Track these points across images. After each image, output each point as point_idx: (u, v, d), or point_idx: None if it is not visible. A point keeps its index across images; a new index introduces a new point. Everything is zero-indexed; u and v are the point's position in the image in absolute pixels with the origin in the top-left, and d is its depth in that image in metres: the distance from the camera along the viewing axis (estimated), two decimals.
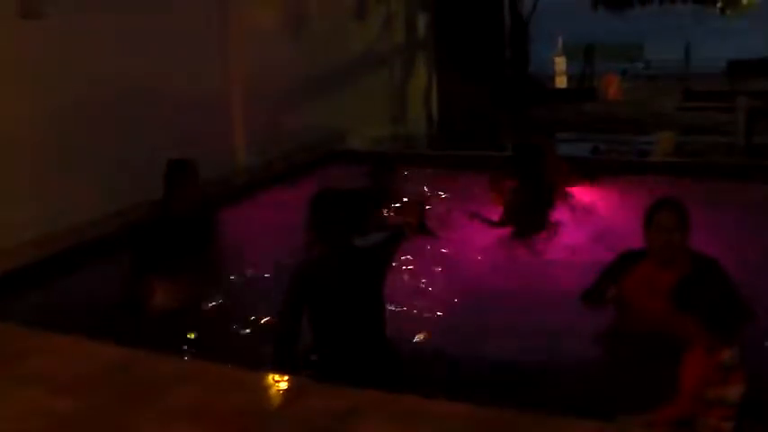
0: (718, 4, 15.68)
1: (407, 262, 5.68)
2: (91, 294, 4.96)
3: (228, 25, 7.86)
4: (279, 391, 3.24)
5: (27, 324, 4.08)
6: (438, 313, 4.96)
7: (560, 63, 17.76)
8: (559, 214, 6.61)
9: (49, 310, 4.68)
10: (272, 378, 3.33)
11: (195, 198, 5.57)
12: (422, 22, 12.62)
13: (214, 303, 5.05)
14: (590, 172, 7.44)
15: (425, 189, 7.33)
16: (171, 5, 6.97)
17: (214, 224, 5.74)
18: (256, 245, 5.93)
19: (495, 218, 6.58)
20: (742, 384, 3.17)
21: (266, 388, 3.30)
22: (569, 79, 17.75)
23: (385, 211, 6.39)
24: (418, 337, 4.55)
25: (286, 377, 3.33)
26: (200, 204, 5.64)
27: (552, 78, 17.60)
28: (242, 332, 4.72)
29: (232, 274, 5.53)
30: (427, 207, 6.30)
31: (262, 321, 4.74)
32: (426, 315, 4.93)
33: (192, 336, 4.54)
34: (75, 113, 6.06)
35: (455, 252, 6.00)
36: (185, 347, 4.38)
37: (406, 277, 5.50)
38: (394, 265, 5.35)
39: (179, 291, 4.96)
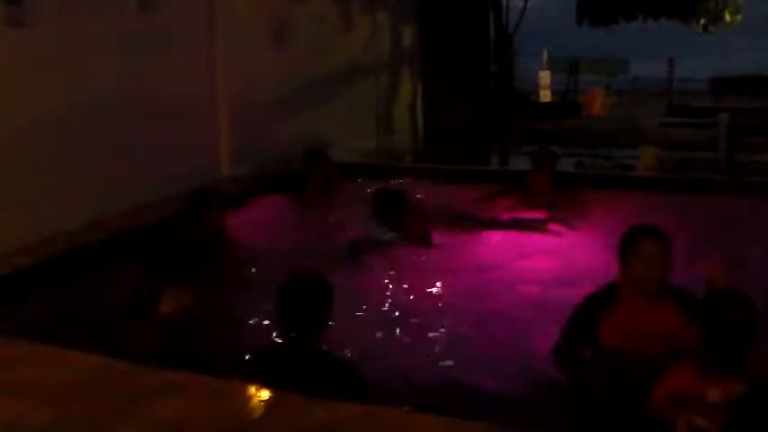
0: (702, 21, 15.78)
1: (395, 273, 5.73)
2: (74, 303, 4.94)
3: (215, 36, 7.87)
4: (261, 402, 3.23)
5: (8, 334, 4.05)
6: (418, 325, 4.96)
7: (545, 77, 17.83)
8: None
9: (31, 320, 4.66)
10: (255, 389, 3.32)
11: (217, 226, 5.68)
12: (408, 34, 12.66)
13: (218, 314, 5.04)
14: (578, 188, 7.54)
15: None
16: (156, 15, 6.97)
17: (219, 236, 5.81)
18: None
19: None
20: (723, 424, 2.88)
21: (248, 399, 3.29)
22: (553, 93, 17.84)
23: None
24: (399, 350, 4.55)
25: (268, 389, 3.33)
26: (223, 228, 5.73)
27: (536, 92, 17.68)
28: (238, 343, 4.69)
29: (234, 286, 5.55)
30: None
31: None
32: (407, 326, 4.93)
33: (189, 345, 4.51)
34: (58, 122, 6.04)
35: (438, 263, 6.03)
36: (173, 358, 4.36)
37: (390, 287, 5.52)
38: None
39: (189, 299, 4.93)
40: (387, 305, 5.27)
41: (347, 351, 4.08)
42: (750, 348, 3.02)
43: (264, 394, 3.26)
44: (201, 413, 3.12)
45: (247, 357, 3.93)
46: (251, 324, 4.85)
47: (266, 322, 4.55)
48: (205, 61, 7.80)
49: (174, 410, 3.11)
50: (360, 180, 8.21)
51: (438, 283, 5.65)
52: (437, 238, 6.40)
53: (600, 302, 3.90)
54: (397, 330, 4.87)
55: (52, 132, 5.97)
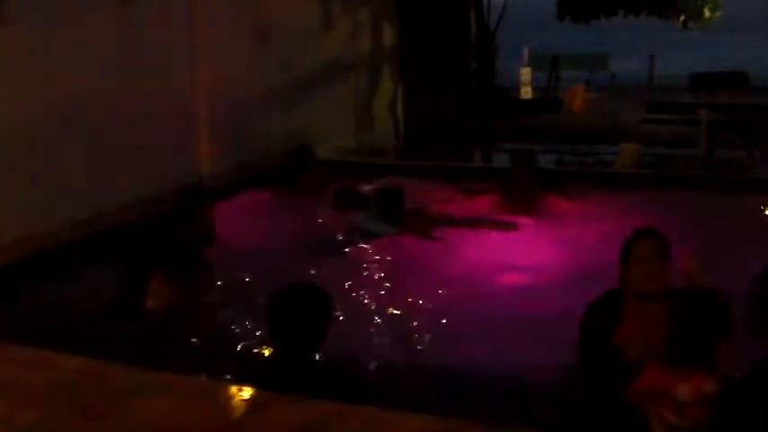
0: (681, 18, 15.85)
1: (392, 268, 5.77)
2: (59, 300, 4.93)
3: (195, 35, 7.84)
4: (243, 402, 3.24)
5: None
6: (409, 322, 4.98)
7: (526, 74, 17.84)
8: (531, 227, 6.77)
9: (16, 317, 4.64)
10: (238, 389, 3.32)
11: (209, 224, 5.69)
12: (388, 32, 12.65)
13: (202, 308, 5.04)
14: (562, 186, 7.59)
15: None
16: (137, 16, 6.94)
17: (210, 233, 5.80)
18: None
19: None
20: (696, 420, 2.94)
21: (231, 399, 3.30)
22: (534, 90, 17.87)
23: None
24: (384, 348, 4.56)
25: (251, 389, 3.33)
26: (213, 226, 5.74)
27: (518, 89, 17.71)
28: (219, 341, 4.70)
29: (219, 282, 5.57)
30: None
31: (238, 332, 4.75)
32: (402, 323, 4.96)
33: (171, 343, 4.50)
34: (39, 121, 6.00)
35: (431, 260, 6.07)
36: (155, 357, 4.34)
37: (387, 281, 5.56)
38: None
39: (173, 293, 4.92)
40: (380, 300, 5.31)
41: (341, 361, 4.01)
42: (721, 346, 3.06)
43: (249, 394, 3.27)
44: (186, 413, 3.13)
45: (236, 368, 3.93)
46: (242, 325, 4.86)
47: (257, 324, 4.57)
48: (185, 59, 7.76)
49: (159, 410, 3.11)
50: (346, 177, 8.22)
51: (428, 279, 5.68)
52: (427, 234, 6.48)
53: (605, 314, 3.89)
54: (390, 326, 4.90)
55: (28, 132, 5.92)
